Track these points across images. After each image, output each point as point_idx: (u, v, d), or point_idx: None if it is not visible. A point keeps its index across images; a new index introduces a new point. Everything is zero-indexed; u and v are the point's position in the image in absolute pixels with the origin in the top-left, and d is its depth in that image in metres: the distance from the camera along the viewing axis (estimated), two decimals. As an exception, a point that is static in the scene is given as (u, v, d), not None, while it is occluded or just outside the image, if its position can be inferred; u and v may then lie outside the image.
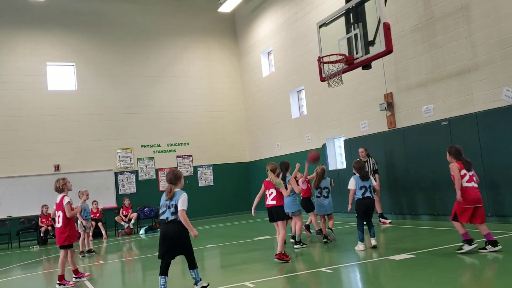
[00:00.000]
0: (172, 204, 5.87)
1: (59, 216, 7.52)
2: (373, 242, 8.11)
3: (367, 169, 8.25)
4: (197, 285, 5.99)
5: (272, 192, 7.91)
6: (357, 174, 8.26)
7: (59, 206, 7.51)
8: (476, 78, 10.19)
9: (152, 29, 19.25)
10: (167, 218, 5.87)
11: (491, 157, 9.85)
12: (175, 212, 5.84)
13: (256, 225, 15.18)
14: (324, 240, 9.35)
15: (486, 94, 9.99)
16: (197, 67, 19.93)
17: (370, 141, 13.01)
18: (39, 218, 15.33)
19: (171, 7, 19.44)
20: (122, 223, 15.99)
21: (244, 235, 12.35)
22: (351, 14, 10.30)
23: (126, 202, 16.47)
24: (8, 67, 16.90)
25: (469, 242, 6.81)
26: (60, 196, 7.59)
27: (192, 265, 5.97)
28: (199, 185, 19.40)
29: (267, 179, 7.94)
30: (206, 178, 19.55)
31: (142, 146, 18.54)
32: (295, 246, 9.04)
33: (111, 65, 18.42)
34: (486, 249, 6.74)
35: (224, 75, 20.48)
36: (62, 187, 7.61)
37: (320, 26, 11.07)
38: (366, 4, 10.00)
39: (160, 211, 6.00)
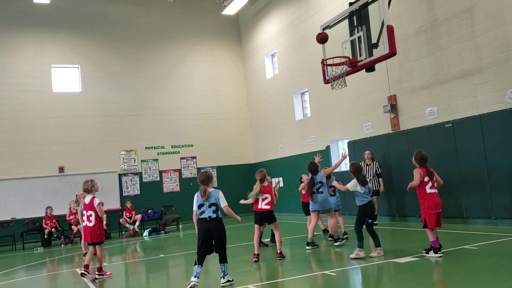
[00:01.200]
0: (211, 203, 6.39)
1: (90, 216, 7.96)
2: (378, 251, 7.63)
3: (365, 173, 8.04)
4: (224, 278, 6.49)
5: (266, 197, 8.40)
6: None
7: (89, 207, 7.97)
8: (480, 80, 10.17)
9: (156, 32, 19.32)
10: (209, 216, 6.37)
11: (496, 159, 9.81)
12: (216, 210, 6.40)
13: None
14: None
15: (490, 96, 9.97)
16: (201, 69, 19.98)
17: (374, 143, 13.01)
18: (43, 220, 15.39)
19: (176, 9, 19.50)
20: (127, 225, 16.02)
21: (247, 238, 12.32)
22: (354, 17, 10.30)
23: (128, 204, 16.50)
24: (13, 69, 17.00)
25: (436, 250, 7.07)
26: (89, 197, 8.06)
27: (224, 259, 6.49)
28: (203, 187, 19.38)
29: (263, 185, 8.39)
30: (210, 180, 19.53)
31: (146, 148, 18.59)
32: (336, 244, 9.16)
33: (115, 67, 18.49)
34: (428, 254, 7.15)
35: (228, 77, 20.52)
36: (90, 188, 8.10)
37: (324, 29, 11.07)
38: (369, 7, 10.00)
39: (199, 211, 6.44)
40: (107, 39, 18.47)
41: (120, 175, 18.02)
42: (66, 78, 18.03)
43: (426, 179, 7.19)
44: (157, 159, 18.74)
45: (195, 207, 6.54)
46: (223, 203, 6.50)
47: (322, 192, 9.32)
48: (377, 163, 11.94)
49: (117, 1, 18.47)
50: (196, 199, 6.54)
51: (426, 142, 11.38)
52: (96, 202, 7.95)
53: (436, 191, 7.22)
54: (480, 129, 10.10)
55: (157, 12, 19.36)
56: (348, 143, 14.34)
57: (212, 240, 6.44)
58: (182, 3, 19.41)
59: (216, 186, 19.36)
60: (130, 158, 18.30)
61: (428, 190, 7.16)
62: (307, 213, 10.04)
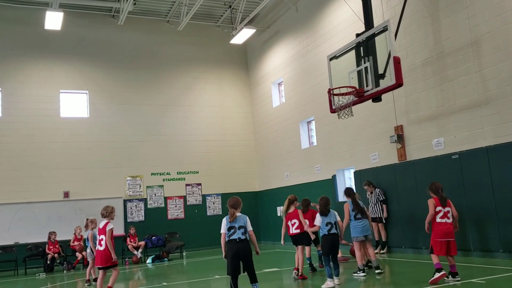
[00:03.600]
0: (240, 226, 6.87)
1: (101, 240, 8.19)
2: (336, 281, 7.90)
3: (329, 206, 8.05)
4: None
5: (294, 223, 9.41)
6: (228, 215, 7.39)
7: (102, 231, 8.22)
8: (486, 112, 10.17)
9: (165, 59, 19.56)
10: (238, 237, 6.82)
11: (503, 192, 9.72)
12: (244, 233, 6.86)
13: (265, 257, 14.96)
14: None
15: (497, 128, 9.95)
16: (208, 97, 20.13)
17: (380, 173, 12.95)
18: (47, 245, 15.29)
19: (185, 38, 19.78)
20: (135, 252, 15.87)
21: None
22: (361, 48, 10.40)
23: (132, 230, 16.41)
24: (22, 94, 17.19)
25: (439, 270, 7.36)
26: (104, 221, 8.31)
27: (255, 278, 6.95)
28: (208, 214, 19.32)
29: (289, 212, 9.47)
30: (214, 207, 19.48)
31: (152, 174, 18.59)
32: (377, 271, 9.04)
33: (123, 94, 18.67)
34: (433, 276, 7.38)
35: (235, 105, 20.65)
36: (108, 214, 8.36)
37: (331, 59, 11.18)
38: (376, 38, 10.11)
39: (228, 233, 6.89)
40: (115, 66, 18.71)
41: (125, 201, 17.98)
42: (74, 104, 18.20)
43: (438, 209, 7.52)
44: (162, 185, 18.71)
45: (223, 230, 6.97)
46: (249, 227, 6.99)
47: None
48: (378, 190, 12.23)
49: (127, 29, 18.77)
50: (225, 222, 6.98)
51: (433, 173, 11.31)
52: (109, 227, 8.19)
53: (449, 220, 7.51)
54: (487, 161, 10.04)
55: (166, 40, 19.65)
56: (355, 172, 14.28)
57: (239, 260, 6.85)
58: (190, 32, 19.70)
59: (221, 213, 19.37)
60: (136, 184, 18.29)
61: (438, 220, 7.49)
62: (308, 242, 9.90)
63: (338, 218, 8.31)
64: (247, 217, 7.03)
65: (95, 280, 11.08)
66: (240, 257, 6.84)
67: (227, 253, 6.92)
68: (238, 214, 7.00)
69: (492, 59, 10.04)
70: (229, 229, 6.91)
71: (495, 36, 9.96)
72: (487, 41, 10.15)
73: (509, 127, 9.66)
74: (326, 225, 8.13)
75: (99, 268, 8.40)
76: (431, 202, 7.60)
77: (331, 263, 8.08)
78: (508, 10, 9.69)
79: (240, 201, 7.08)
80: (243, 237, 6.85)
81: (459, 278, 7.47)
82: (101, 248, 8.21)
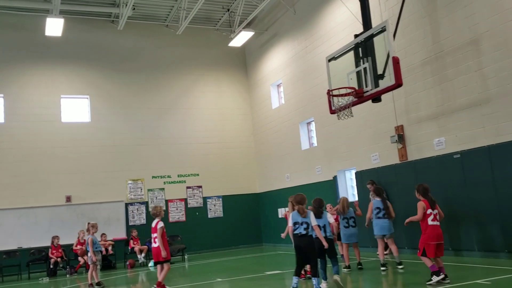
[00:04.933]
0: (304, 221, 7.30)
1: (155, 238, 8.85)
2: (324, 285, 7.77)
3: (322, 208, 8.02)
4: None
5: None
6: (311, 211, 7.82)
7: (155, 229, 8.86)
8: (488, 111, 10.17)
9: (164, 63, 19.60)
10: (300, 232, 7.29)
11: (505, 190, 9.70)
12: (307, 228, 7.29)
13: (266, 259, 14.98)
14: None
15: (499, 127, 9.94)
16: (208, 100, 20.16)
17: (381, 173, 12.94)
18: (50, 249, 15.31)
19: (183, 41, 19.81)
20: (139, 256, 15.89)
21: (254, 269, 12.19)
22: (360, 49, 10.42)
23: (134, 233, 16.43)
24: (23, 100, 17.23)
25: (437, 273, 7.30)
26: (155, 221, 8.96)
27: (315, 273, 7.41)
28: (209, 216, 19.33)
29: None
30: (215, 210, 19.48)
31: (153, 177, 18.61)
32: (399, 267, 9.48)
33: (124, 98, 18.71)
34: (431, 280, 7.31)
35: (234, 107, 20.67)
36: (158, 213, 9.05)
37: (329, 60, 11.19)
38: (374, 39, 10.12)
39: (294, 227, 7.36)
40: (116, 70, 18.74)
41: (126, 204, 17.99)
42: (76, 108, 18.23)
43: (429, 211, 7.44)
44: (163, 188, 18.72)
45: (290, 223, 7.48)
46: (314, 221, 7.38)
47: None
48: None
49: (126, 34, 18.80)
50: (292, 217, 7.47)
51: (435, 173, 11.32)
52: (159, 225, 8.82)
53: (438, 223, 7.45)
54: (488, 160, 10.03)
55: (165, 44, 19.68)
56: (356, 173, 14.28)
57: (303, 253, 7.37)
58: (189, 35, 19.73)
59: (222, 215, 19.39)
60: (137, 187, 18.30)
61: (430, 222, 7.41)
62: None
63: (331, 220, 8.20)
64: (311, 212, 7.50)
65: (98, 284, 11.10)
66: (302, 251, 7.37)
67: (294, 245, 7.51)
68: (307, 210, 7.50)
69: (492, 57, 10.04)
70: (294, 224, 7.39)
71: (495, 34, 9.96)
72: (486, 40, 10.15)
73: (511, 125, 9.66)
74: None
75: (155, 263, 9.22)
76: (421, 205, 7.50)
77: (329, 263, 7.98)
78: (507, 8, 9.70)
79: (305, 197, 7.57)
80: (304, 232, 7.31)
81: (448, 280, 7.36)
82: (155, 245, 8.84)
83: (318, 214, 7.90)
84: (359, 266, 10.17)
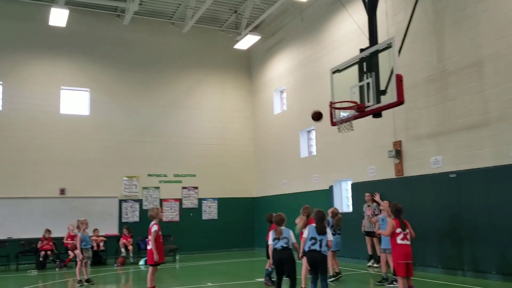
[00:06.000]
0: (283, 237, 7.48)
1: (149, 240, 8.74)
2: None
3: (325, 224, 7.85)
4: None
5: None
6: (314, 225, 7.69)
7: (149, 231, 8.73)
8: (486, 133, 10.18)
9: (168, 61, 19.56)
10: (281, 246, 7.44)
11: (498, 213, 9.73)
12: (287, 242, 7.44)
13: (258, 264, 14.93)
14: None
15: (496, 150, 9.95)
16: (210, 101, 20.13)
17: (377, 187, 12.89)
18: (40, 242, 15.25)
19: (189, 41, 19.78)
20: (122, 249, 15.86)
21: (245, 275, 12.20)
22: (364, 63, 10.41)
23: (126, 231, 16.39)
24: (24, 89, 17.15)
25: None
26: (152, 222, 8.78)
27: (293, 285, 7.45)
28: (203, 218, 19.29)
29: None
30: (210, 211, 19.45)
31: (148, 175, 18.56)
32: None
33: (125, 93, 18.66)
34: None
35: (236, 110, 20.65)
36: (155, 215, 8.85)
37: (334, 72, 11.18)
38: (379, 54, 10.12)
39: (274, 243, 7.52)
40: (118, 65, 18.69)
41: (120, 201, 17.94)
42: (75, 101, 18.17)
43: (398, 230, 7.59)
44: (158, 187, 18.67)
45: (270, 242, 7.62)
46: (293, 240, 7.53)
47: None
48: (375, 204, 12.11)
49: (132, 29, 18.78)
50: (271, 235, 7.63)
51: (430, 190, 11.35)
52: (153, 228, 8.67)
53: (408, 242, 7.59)
54: (484, 182, 10.05)
55: (170, 41, 19.65)
56: (352, 184, 14.29)
57: (283, 267, 7.46)
58: (195, 35, 19.70)
59: (217, 218, 19.37)
60: (132, 184, 18.25)
61: (399, 241, 7.57)
62: None
63: (330, 237, 7.73)
64: (291, 231, 7.63)
65: (87, 281, 11.07)
66: (282, 264, 7.49)
67: (273, 260, 7.63)
68: (283, 228, 7.59)
69: (495, 81, 10.05)
70: (274, 239, 7.57)
71: (499, 58, 9.98)
72: (490, 63, 10.16)
73: (508, 149, 9.67)
74: (310, 239, 7.60)
75: (148, 265, 8.96)
76: (391, 223, 7.72)
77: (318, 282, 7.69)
78: (512, 33, 9.71)
79: (284, 218, 7.73)
80: (285, 245, 7.44)
81: None
82: (148, 247, 8.79)
83: (322, 231, 7.55)
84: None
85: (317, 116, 10.85)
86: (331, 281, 9.96)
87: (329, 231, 7.78)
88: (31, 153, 16.86)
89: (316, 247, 7.37)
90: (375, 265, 12.40)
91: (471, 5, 10.64)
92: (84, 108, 18.23)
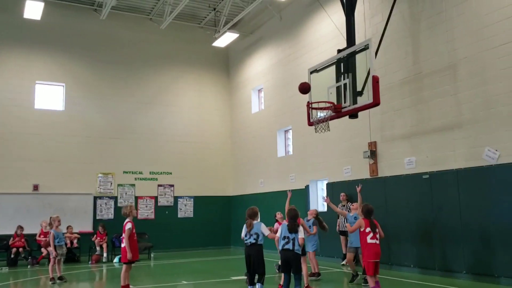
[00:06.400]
0: (254, 232, 7.65)
1: (123, 238, 8.70)
2: None
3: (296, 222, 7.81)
4: None
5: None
6: (286, 223, 7.59)
7: (123, 229, 8.69)
8: (459, 135, 10.40)
9: (146, 57, 19.37)
10: (250, 242, 7.66)
11: (469, 214, 9.96)
12: (256, 238, 7.64)
13: (233, 263, 14.99)
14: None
15: (468, 152, 10.18)
16: (187, 98, 20.03)
17: (352, 186, 13.02)
18: (12, 238, 14.96)
19: (167, 37, 19.63)
20: (98, 248, 15.68)
21: (220, 274, 12.19)
22: (341, 64, 10.51)
23: (101, 228, 16.20)
24: (-3, 83, 16.80)
25: None
26: (126, 220, 8.75)
27: (260, 279, 7.65)
28: (179, 216, 19.20)
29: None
30: (186, 209, 19.37)
31: (124, 172, 18.36)
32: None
33: (101, 89, 18.41)
34: None
35: (214, 108, 20.59)
36: (128, 213, 8.82)
37: (311, 72, 11.26)
38: (357, 56, 10.23)
39: (245, 238, 7.79)
40: (95, 60, 18.42)
41: (95, 198, 17.71)
42: (50, 96, 17.85)
43: (368, 230, 7.82)
44: (134, 184, 18.50)
45: (243, 235, 7.85)
46: (266, 232, 7.72)
47: None
48: (350, 204, 12.29)
49: (109, 24, 18.54)
50: (244, 229, 7.83)
51: (403, 191, 11.55)
52: (127, 226, 8.64)
53: (377, 242, 7.83)
54: (456, 183, 10.27)
55: (148, 37, 19.46)
56: (327, 184, 14.43)
57: (252, 263, 7.63)
58: (173, 31, 19.57)
59: (192, 216, 19.30)
60: (107, 181, 18.04)
61: (369, 241, 7.79)
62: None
63: (302, 235, 7.52)
64: (262, 224, 7.79)
65: (60, 278, 10.92)
66: (251, 259, 7.68)
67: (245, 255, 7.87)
68: (255, 222, 7.74)
69: (468, 84, 10.28)
70: (245, 235, 7.80)
71: (472, 61, 10.20)
72: (464, 66, 10.38)
73: (480, 151, 9.90)
74: (283, 238, 7.47)
75: (122, 263, 8.88)
76: (359, 222, 7.95)
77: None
78: (486, 37, 9.94)
79: (256, 211, 7.88)
80: (254, 241, 7.64)
81: None
82: (122, 245, 8.75)
83: (293, 229, 7.36)
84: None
85: (305, 88, 10.58)
86: (314, 279, 10.12)
87: (301, 229, 7.52)
88: (4, 148, 16.51)
89: (289, 246, 7.31)
90: (343, 262, 12.51)
91: (446, 9, 10.85)
92: (59, 103, 17.93)
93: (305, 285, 8.80)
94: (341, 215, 12.05)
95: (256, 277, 7.77)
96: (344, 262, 12.54)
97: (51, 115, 17.54)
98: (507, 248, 9.22)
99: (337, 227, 12.93)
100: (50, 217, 11.15)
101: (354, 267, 10.02)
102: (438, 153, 10.87)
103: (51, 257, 10.91)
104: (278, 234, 7.61)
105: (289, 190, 10.27)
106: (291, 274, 7.43)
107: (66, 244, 12.57)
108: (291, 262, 7.30)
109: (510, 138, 9.36)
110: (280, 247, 7.48)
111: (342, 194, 13.01)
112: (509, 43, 9.47)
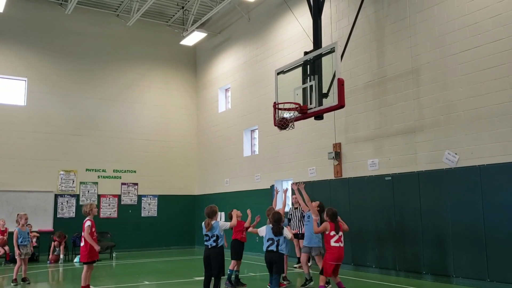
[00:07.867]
0: (213, 234, 7.59)
1: (82, 236, 8.52)
2: None
3: (282, 225, 7.92)
4: None
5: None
6: (271, 226, 7.92)
7: (83, 228, 8.52)
8: (420, 138, 10.67)
9: (111, 53, 19.06)
10: (210, 244, 7.62)
11: (430, 216, 10.23)
12: (216, 240, 7.57)
13: (196, 263, 14.86)
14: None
15: (429, 155, 10.46)
16: (153, 95, 19.81)
17: (316, 187, 13.22)
18: (-33, 237, 14.43)
19: (134, 34, 19.38)
20: (57, 249, 15.29)
21: (183, 274, 12.11)
22: (308, 66, 10.62)
23: (56, 238, 15.71)
24: (-47, 75, 16.18)
25: None
26: (86, 219, 8.57)
27: (217, 284, 7.68)
28: (142, 215, 18.96)
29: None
30: (150, 209, 19.14)
31: (86, 169, 18.00)
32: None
33: (64, 85, 17.99)
34: None
35: (180, 106, 20.44)
36: (88, 211, 8.65)
37: (278, 73, 11.33)
38: (323, 58, 10.35)
39: (204, 239, 7.71)
40: (59, 55, 17.99)
41: (56, 196, 17.29)
42: (11, 90, 17.32)
43: (333, 233, 7.90)
44: (96, 182, 18.16)
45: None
46: (225, 226, 7.75)
47: None
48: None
49: (74, 19, 18.14)
50: (203, 229, 7.73)
51: (366, 192, 11.75)
52: (86, 224, 8.46)
53: (341, 244, 7.92)
54: (417, 185, 10.53)
55: (114, 34, 19.16)
56: (292, 184, 14.49)
57: (211, 265, 7.60)
58: (140, 28, 19.33)
59: (156, 215, 19.10)
60: (69, 179, 17.64)
61: (333, 244, 7.86)
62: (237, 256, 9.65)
63: (289, 236, 8.05)
64: (219, 222, 7.69)
65: (23, 280, 10.57)
66: (210, 262, 7.66)
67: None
68: (213, 222, 7.63)
69: (430, 88, 10.56)
70: (205, 235, 7.72)
71: (434, 67, 10.49)
72: (426, 71, 10.66)
73: (440, 154, 10.18)
74: (268, 240, 7.84)
75: (83, 263, 8.67)
76: (325, 225, 7.99)
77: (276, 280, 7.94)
78: (447, 43, 10.24)
79: (215, 210, 7.75)
80: (214, 244, 7.60)
81: None
82: (82, 244, 8.58)
83: (278, 232, 7.72)
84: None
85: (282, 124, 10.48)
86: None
87: (286, 230, 7.98)
88: (-40, 143, 15.92)
89: (273, 247, 7.62)
90: (296, 265, 12.26)
91: (410, 15, 11.12)
92: (20, 98, 17.42)
93: (283, 275, 9.25)
94: (305, 210, 11.50)
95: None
96: (297, 265, 12.06)
97: (11, 110, 17.03)
98: (464, 249, 9.52)
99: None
100: (18, 214, 10.81)
101: (309, 270, 9.58)
102: (400, 156, 11.12)
103: (16, 256, 10.55)
104: (262, 234, 7.97)
105: (276, 187, 10.29)
106: (272, 273, 7.83)
107: (31, 244, 12.17)
108: (273, 263, 7.69)
109: (469, 142, 9.67)
110: (264, 248, 7.83)
111: (294, 196, 12.09)
112: (469, 50, 9.78)
